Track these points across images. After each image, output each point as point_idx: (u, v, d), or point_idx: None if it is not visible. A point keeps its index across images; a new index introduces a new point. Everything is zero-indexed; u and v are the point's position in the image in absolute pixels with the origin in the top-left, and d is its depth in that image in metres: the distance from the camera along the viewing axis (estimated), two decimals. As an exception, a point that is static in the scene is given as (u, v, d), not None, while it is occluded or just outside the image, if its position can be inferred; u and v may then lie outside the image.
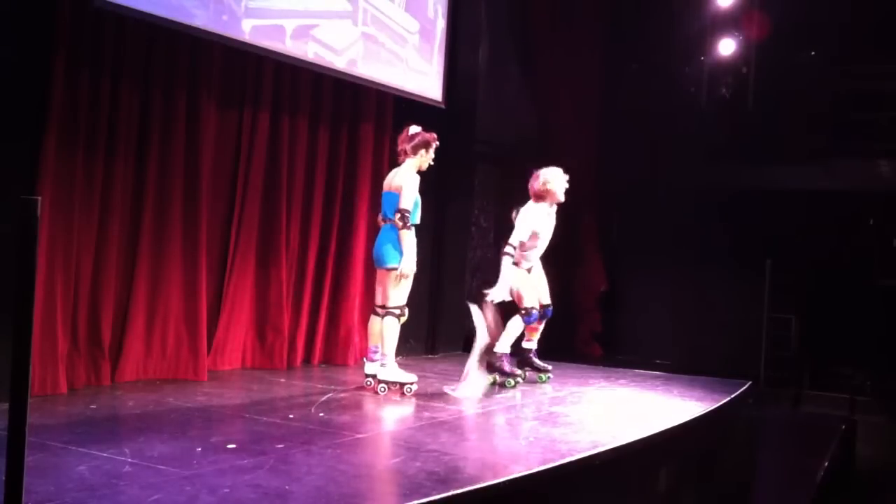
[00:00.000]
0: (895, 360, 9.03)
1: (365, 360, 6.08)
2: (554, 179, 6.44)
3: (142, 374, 5.78)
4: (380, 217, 6.00)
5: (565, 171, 6.54)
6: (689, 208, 9.96)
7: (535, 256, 6.55)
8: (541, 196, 6.46)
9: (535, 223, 6.38)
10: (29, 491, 2.68)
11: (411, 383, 5.82)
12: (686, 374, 7.47)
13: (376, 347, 5.92)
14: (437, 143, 6.03)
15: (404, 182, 5.81)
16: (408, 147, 5.95)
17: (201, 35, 5.71)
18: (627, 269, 10.17)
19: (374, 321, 5.98)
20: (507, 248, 6.28)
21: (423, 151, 5.94)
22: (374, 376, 5.90)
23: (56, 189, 5.05)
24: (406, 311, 5.86)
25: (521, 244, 6.36)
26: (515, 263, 6.36)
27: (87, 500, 3.16)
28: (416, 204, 5.84)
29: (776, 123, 9.62)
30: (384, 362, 5.79)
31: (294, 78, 6.69)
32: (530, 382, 6.60)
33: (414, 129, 6.02)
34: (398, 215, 5.76)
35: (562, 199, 6.49)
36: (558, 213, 6.62)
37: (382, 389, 5.75)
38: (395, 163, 7.63)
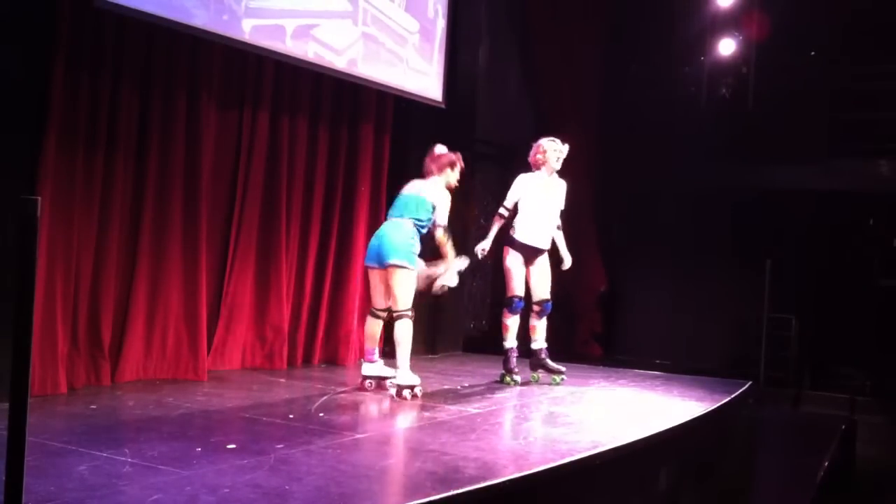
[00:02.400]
0: (895, 360, 9.03)
1: (363, 361, 6.02)
2: (547, 147, 6.48)
3: (142, 374, 5.78)
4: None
5: (568, 167, 6.61)
6: (688, 208, 9.97)
7: (538, 236, 6.46)
8: (535, 164, 6.54)
9: (521, 190, 6.47)
10: (29, 491, 2.68)
11: (419, 385, 5.77)
12: (686, 374, 7.47)
13: (373, 349, 5.91)
14: (462, 164, 6.08)
15: (439, 199, 5.85)
16: (434, 167, 5.98)
17: (201, 35, 5.71)
18: (627, 269, 10.18)
19: (374, 323, 5.93)
20: (500, 210, 6.50)
21: (448, 170, 5.98)
22: (374, 378, 5.90)
23: (56, 189, 5.05)
24: (414, 312, 5.77)
25: (514, 211, 6.47)
26: (512, 240, 6.44)
27: (87, 500, 3.16)
28: (429, 217, 5.86)
29: (776, 123, 9.62)
30: (400, 366, 5.68)
31: (294, 78, 6.70)
32: (542, 384, 6.58)
33: (440, 148, 6.05)
34: (440, 230, 5.82)
35: (554, 167, 6.48)
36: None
37: (408, 394, 5.65)
38: (395, 163, 7.70)
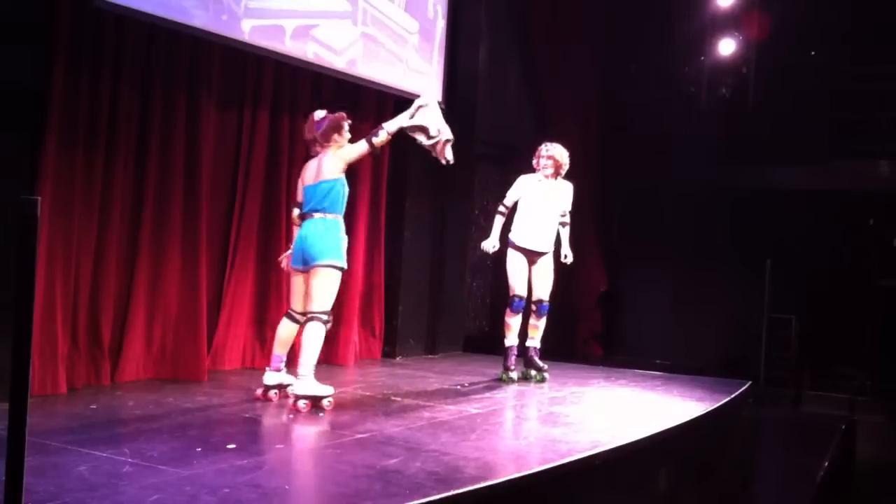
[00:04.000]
0: (895, 360, 9.04)
1: (268, 369, 5.38)
2: (542, 153, 6.62)
3: (142, 374, 5.77)
4: (295, 214, 5.41)
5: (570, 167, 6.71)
6: (688, 208, 9.97)
7: (533, 238, 6.54)
8: (535, 166, 6.67)
9: (519, 191, 6.60)
10: (29, 491, 2.68)
11: (329, 396, 5.13)
12: (686, 374, 7.47)
13: (283, 356, 5.36)
14: (349, 121, 5.37)
15: (340, 167, 5.21)
16: (317, 135, 5.29)
17: (201, 35, 5.71)
18: (627, 269, 10.18)
19: (289, 327, 5.34)
20: (499, 207, 6.63)
21: (335, 136, 5.27)
22: (279, 387, 5.33)
23: (56, 189, 5.06)
24: (331, 318, 5.24)
25: (509, 209, 6.62)
26: (511, 241, 6.55)
27: (87, 500, 3.16)
28: (343, 194, 5.28)
29: (776, 123, 9.63)
30: (302, 373, 5.05)
31: (294, 78, 6.70)
32: (527, 381, 6.62)
33: (319, 113, 5.34)
34: (372, 147, 5.19)
35: (540, 169, 6.59)
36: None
37: (304, 405, 5.01)
38: (395, 164, 7.69)
